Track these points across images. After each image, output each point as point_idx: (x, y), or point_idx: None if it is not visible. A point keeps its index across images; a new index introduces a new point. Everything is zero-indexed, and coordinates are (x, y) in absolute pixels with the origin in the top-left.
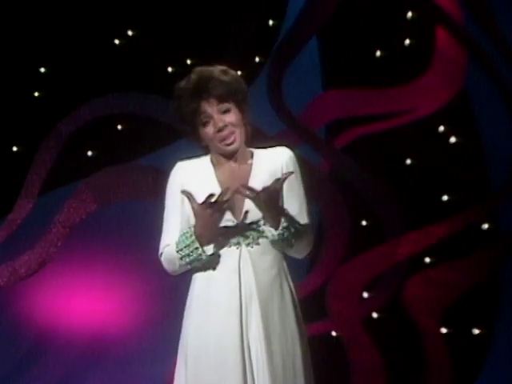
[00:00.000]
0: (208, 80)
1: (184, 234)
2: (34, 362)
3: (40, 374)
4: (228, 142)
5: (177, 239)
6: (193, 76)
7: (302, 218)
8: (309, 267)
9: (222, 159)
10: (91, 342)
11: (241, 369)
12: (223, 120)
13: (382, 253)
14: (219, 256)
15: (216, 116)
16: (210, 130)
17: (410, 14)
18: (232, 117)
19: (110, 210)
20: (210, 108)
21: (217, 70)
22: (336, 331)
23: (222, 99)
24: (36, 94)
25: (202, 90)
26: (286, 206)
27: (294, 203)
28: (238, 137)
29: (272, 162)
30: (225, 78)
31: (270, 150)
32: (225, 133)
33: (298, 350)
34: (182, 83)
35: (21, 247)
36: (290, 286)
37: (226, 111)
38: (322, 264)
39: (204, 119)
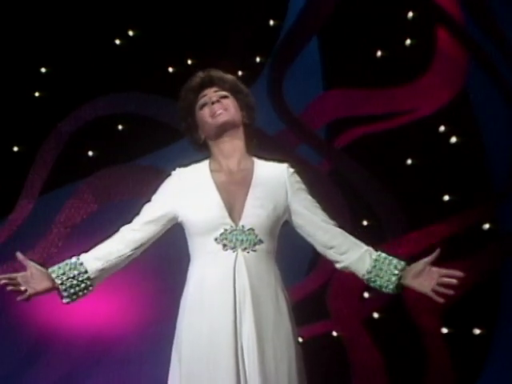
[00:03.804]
0: (210, 76)
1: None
2: (35, 362)
3: (41, 373)
4: (218, 112)
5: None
6: (198, 74)
7: (331, 223)
8: (309, 267)
9: (222, 161)
10: (92, 342)
11: (233, 367)
12: (218, 97)
13: None
14: (214, 258)
15: (213, 94)
16: (205, 111)
17: (410, 14)
18: (228, 101)
19: (110, 209)
20: (210, 92)
21: (219, 71)
22: (336, 331)
23: (222, 89)
24: (37, 94)
25: (205, 85)
26: (316, 221)
27: (320, 214)
28: (230, 111)
29: (275, 177)
30: (226, 76)
31: (271, 163)
32: (217, 105)
33: (293, 354)
34: (186, 84)
35: (21, 247)
36: (284, 292)
37: (224, 97)
38: (323, 264)
39: (202, 102)
